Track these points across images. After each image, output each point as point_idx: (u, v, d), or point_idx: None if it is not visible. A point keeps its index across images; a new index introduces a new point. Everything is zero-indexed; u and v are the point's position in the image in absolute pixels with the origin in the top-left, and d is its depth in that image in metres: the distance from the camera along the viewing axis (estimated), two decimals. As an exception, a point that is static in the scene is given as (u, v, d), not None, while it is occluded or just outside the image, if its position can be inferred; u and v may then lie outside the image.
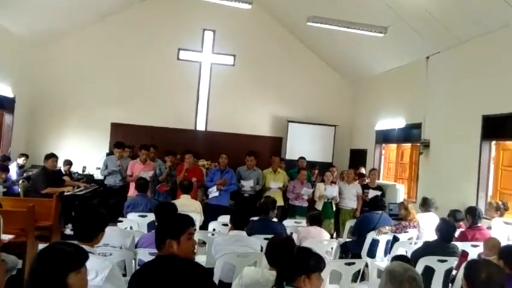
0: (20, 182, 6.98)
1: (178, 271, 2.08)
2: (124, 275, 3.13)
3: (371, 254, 5.03)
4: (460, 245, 4.37)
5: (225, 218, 4.99)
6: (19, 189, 6.90)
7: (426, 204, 5.64)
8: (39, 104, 9.33)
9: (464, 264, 2.49)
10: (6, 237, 3.98)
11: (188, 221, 2.31)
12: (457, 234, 4.88)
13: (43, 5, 7.49)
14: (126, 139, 8.64)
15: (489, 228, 5.00)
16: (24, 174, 7.37)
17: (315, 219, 4.85)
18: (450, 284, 3.98)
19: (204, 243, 4.49)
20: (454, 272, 4.01)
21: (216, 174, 6.64)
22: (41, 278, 1.77)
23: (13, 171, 7.38)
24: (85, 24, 9.47)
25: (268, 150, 9.37)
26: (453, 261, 3.95)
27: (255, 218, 4.62)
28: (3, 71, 7.89)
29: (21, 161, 7.73)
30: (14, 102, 8.37)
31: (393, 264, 2.08)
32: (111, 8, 9.13)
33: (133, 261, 3.37)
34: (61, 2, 7.38)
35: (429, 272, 3.85)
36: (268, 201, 4.75)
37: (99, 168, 7.52)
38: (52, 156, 6.27)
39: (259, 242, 3.89)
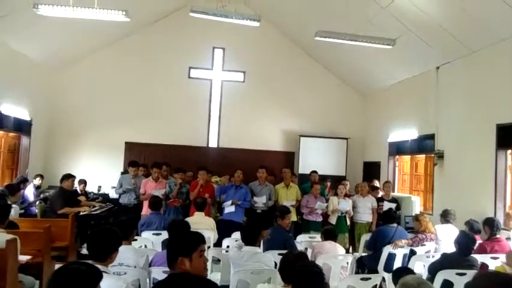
0: (37, 203, 7.09)
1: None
2: (139, 294, 3.14)
3: (388, 268, 4.94)
4: (479, 258, 4.26)
5: (239, 235, 4.99)
6: (36, 210, 7.01)
7: (446, 216, 5.55)
8: (55, 126, 9.55)
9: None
10: (24, 258, 4.03)
11: (199, 238, 2.31)
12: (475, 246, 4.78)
13: (58, 32, 7.73)
14: (140, 158, 8.79)
15: (508, 239, 4.88)
16: (41, 195, 7.50)
17: (329, 234, 4.81)
18: (470, 298, 3.88)
19: (219, 260, 4.48)
20: (473, 286, 3.91)
21: (230, 190, 6.68)
22: None
23: (30, 193, 7.51)
24: (98, 48, 9.73)
25: (280, 165, 9.29)
26: (472, 274, 3.84)
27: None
28: (21, 95, 8.12)
29: (37, 181, 7.89)
30: (31, 125, 8.58)
31: (407, 278, 2.05)
32: (123, 31, 9.35)
33: (147, 280, 3.38)
34: (75, 28, 7.60)
35: (448, 285, 3.77)
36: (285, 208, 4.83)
37: (114, 187, 7.60)
38: (70, 177, 6.38)
39: (273, 258, 3.87)
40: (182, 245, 2.25)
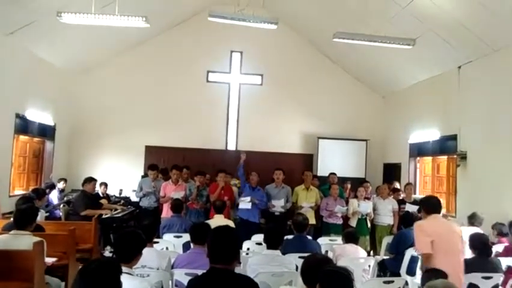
0: (61, 206, 7.26)
1: (236, 283, 2.39)
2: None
3: (411, 271, 4.87)
4: (505, 261, 4.17)
5: (259, 237, 5.00)
6: (60, 213, 7.17)
7: (472, 218, 5.46)
8: (77, 130, 9.75)
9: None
10: (50, 260, 4.13)
11: None
12: (501, 249, 4.68)
13: (80, 38, 7.92)
14: (160, 161, 8.90)
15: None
16: (65, 199, 7.67)
17: (351, 236, 4.77)
18: (497, 302, 3.79)
19: (239, 263, 4.48)
20: (500, 289, 3.82)
21: (246, 191, 6.73)
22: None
23: (54, 196, 7.69)
24: (118, 53, 9.90)
25: (299, 167, 9.31)
26: (498, 278, 3.77)
27: (290, 237, 4.60)
28: (45, 100, 8.34)
29: (61, 185, 8.08)
30: (55, 130, 8.80)
31: (435, 282, 2.02)
32: (142, 36, 9.51)
33: (170, 282, 3.42)
34: (96, 34, 7.77)
35: (474, 290, 3.69)
36: (303, 219, 4.69)
37: (135, 191, 7.72)
38: (92, 180, 6.53)
39: (294, 260, 3.86)
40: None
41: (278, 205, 6.74)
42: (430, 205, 3.84)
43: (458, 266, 3.48)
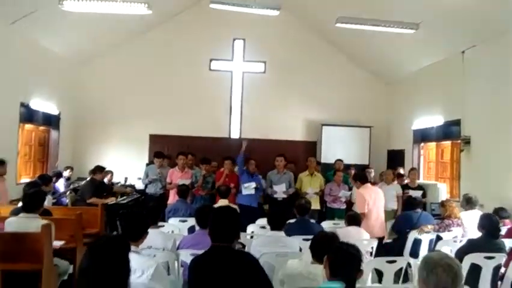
0: (68, 193, 7.35)
1: (237, 259, 2.50)
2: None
3: (414, 254, 4.92)
4: (508, 242, 4.19)
5: (262, 221, 5.07)
6: (67, 201, 7.26)
7: (469, 202, 5.44)
8: (82, 119, 9.80)
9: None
10: (58, 244, 4.21)
11: None
12: (504, 231, 4.70)
13: (84, 27, 7.92)
14: (164, 149, 8.93)
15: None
16: (71, 186, 7.76)
17: (353, 219, 4.81)
18: (499, 282, 3.82)
19: (243, 246, 4.55)
20: (502, 270, 3.85)
21: (244, 177, 6.80)
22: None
23: (61, 184, 7.77)
24: (122, 42, 9.90)
25: (303, 154, 9.33)
26: (501, 258, 3.79)
27: (292, 220, 4.65)
28: (49, 89, 8.38)
29: (67, 173, 8.17)
30: (59, 119, 8.86)
31: (431, 254, 2.06)
32: (144, 25, 9.49)
33: (175, 262, 3.48)
34: (99, 22, 7.76)
35: (476, 269, 3.72)
36: (305, 202, 4.74)
37: (140, 178, 7.80)
38: (102, 169, 6.76)
39: (297, 242, 3.92)
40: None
41: (280, 190, 6.77)
42: (363, 178, 5.73)
43: (382, 216, 5.56)
